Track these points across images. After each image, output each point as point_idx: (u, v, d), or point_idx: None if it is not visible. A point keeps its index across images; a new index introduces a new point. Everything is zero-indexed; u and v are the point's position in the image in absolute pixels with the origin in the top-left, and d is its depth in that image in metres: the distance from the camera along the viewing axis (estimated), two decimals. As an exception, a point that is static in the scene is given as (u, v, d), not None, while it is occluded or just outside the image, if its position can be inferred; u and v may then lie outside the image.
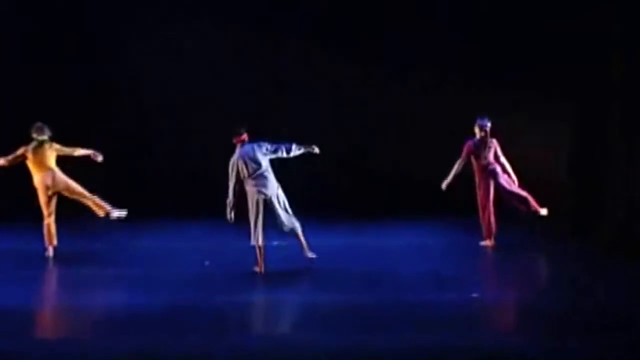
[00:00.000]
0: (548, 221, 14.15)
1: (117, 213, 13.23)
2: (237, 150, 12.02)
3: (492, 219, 13.55)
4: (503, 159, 13.60)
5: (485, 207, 13.56)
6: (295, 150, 12.11)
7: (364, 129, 17.37)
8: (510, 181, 13.61)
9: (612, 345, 8.86)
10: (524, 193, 13.61)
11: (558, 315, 9.98)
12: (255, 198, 11.89)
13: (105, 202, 13.25)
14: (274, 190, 11.96)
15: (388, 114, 17.22)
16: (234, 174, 11.93)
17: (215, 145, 16.85)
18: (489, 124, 13.59)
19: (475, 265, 13.04)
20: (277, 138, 12.32)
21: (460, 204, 14.15)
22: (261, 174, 11.89)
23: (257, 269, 12.05)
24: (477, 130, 13.62)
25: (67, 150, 13.26)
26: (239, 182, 11.96)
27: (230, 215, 11.99)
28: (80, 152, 13.30)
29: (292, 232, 12.06)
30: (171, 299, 10.72)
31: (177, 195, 16.69)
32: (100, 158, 13.31)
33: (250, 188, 11.91)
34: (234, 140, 12.06)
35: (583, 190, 15.57)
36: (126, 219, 13.75)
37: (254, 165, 11.90)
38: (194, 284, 11.57)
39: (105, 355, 8.78)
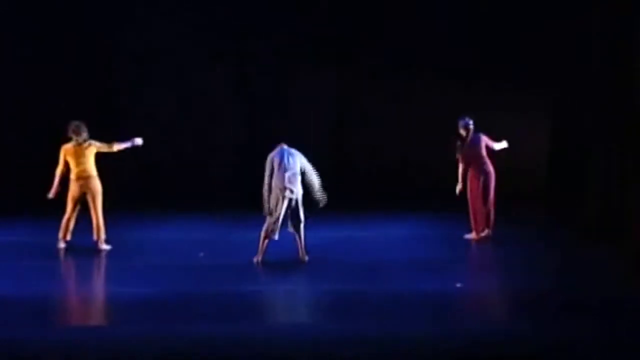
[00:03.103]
0: (530, 212, 14.43)
1: (104, 246, 13.33)
2: (278, 148, 12.43)
3: (480, 212, 13.81)
4: (496, 145, 13.86)
5: (474, 200, 13.81)
6: (312, 183, 12.48)
7: (360, 127, 17.69)
8: (491, 195, 13.81)
9: (590, 329, 9.29)
10: (492, 214, 13.81)
11: (539, 301, 10.41)
12: (282, 194, 12.25)
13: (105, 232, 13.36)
14: (299, 194, 12.36)
15: (382, 111, 17.59)
16: (269, 167, 12.34)
17: (214, 143, 17.36)
18: (471, 122, 13.90)
19: (462, 257, 13.34)
20: (276, 135, 12.74)
21: (453, 198, 14.39)
22: (294, 174, 12.31)
23: (255, 259, 12.42)
24: (462, 131, 13.88)
25: (104, 148, 13.35)
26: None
27: (268, 211, 12.32)
28: (117, 147, 13.39)
29: (296, 233, 12.46)
30: (176, 289, 11.06)
31: (176, 191, 17.03)
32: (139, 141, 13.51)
33: (280, 183, 12.26)
34: (278, 145, 12.43)
35: (563, 183, 15.81)
36: (128, 212, 13.99)
37: (291, 162, 12.31)
38: (196, 274, 11.89)
39: (111, 342, 9.10)
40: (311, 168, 12.49)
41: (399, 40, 17.22)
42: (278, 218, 12.28)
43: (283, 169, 12.27)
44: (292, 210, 12.35)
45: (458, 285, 11.17)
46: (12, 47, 17.29)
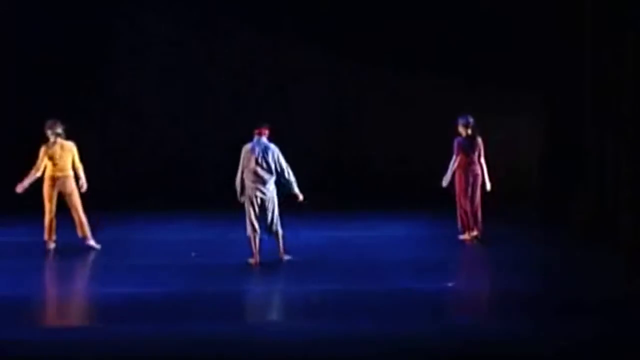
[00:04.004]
0: (527, 212, 14.45)
1: (92, 242, 13.40)
2: (254, 140, 12.29)
3: (469, 212, 13.85)
4: (483, 159, 13.90)
5: (462, 201, 13.87)
6: (289, 180, 12.32)
7: (360, 127, 17.72)
8: (478, 195, 13.89)
9: (590, 329, 9.35)
10: (479, 213, 13.84)
11: (539, 301, 10.49)
12: (253, 194, 12.21)
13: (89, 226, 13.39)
14: (272, 194, 12.29)
15: (371, 111, 17.62)
16: (243, 160, 12.22)
17: (212, 142, 17.35)
18: (471, 120, 13.97)
19: (461, 257, 13.48)
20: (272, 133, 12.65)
21: (446, 198, 14.47)
22: (265, 175, 12.22)
23: (251, 260, 12.42)
24: (461, 129, 13.92)
25: (77, 161, 13.36)
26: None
27: (241, 198, 12.30)
28: (81, 172, 13.37)
29: (275, 234, 12.43)
30: (173, 289, 11.12)
31: (173, 191, 17.02)
32: (84, 189, 13.41)
33: (250, 184, 12.21)
34: (256, 131, 12.32)
35: (559, 183, 15.85)
36: (121, 211, 13.97)
37: (263, 164, 12.20)
38: (194, 274, 11.94)
39: (106, 342, 9.14)
40: (286, 164, 12.28)
41: (399, 40, 17.23)
42: (253, 216, 12.24)
43: (253, 167, 12.17)
44: (265, 210, 12.26)
45: (450, 284, 11.27)
46: (11, 46, 17.29)
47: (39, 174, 13.29)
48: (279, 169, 12.27)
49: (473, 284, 11.87)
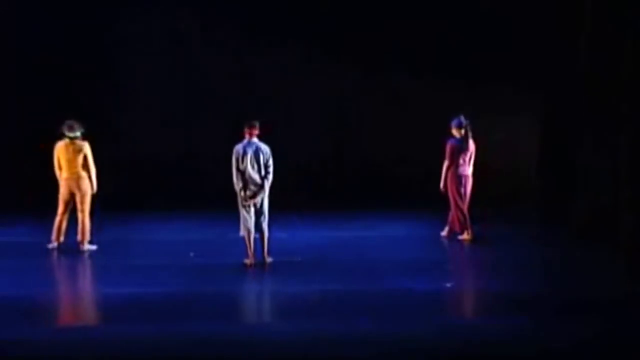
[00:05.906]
0: (523, 212, 14.50)
1: (86, 247, 13.37)
2: (245, 141, 12.26)
3: (466, 212, 13.93)
4: (472, 161, 14.00)
5: (456, 201, 13.93)
6: (267, 177, 12.28)
7: (360, 127, 17.74)
8: (466, 195, 13.97)
9: (589, 329, 9.41)
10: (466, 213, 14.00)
11: (532, 301, 10.54)
12: (246, 196, 12.23)
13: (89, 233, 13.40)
14: (264, 194, 12.28)
15: (370, 112, 17.64)
16: (236, 162, 12.20)
17: (211, 142, 17.36)
18: (464, 121, 13.97)
19: (460, 257, 13.53)
20: (269, 131, 12.64)
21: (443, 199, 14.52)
22: (257, 176, 12.20)
23: (247, 261, 12.43)
24: (455, 131, 13.97)
25: (89, 161, 13.33)
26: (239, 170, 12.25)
27: (245, 196, 12.23)
28: (92, 173, 13.38)
29: (261, 234, 12.40)
30: (173, 289, 11.16)
31: (171, 191, 17.03)
32: (93, 191, 13.43)
33: (243, 185, 12.21)
34: (247, 131, 12.27)
35: (556, 183, 15.88)
36: (121, 211, 14.04)
37: (255, 165, 12.20)
38: (192, 274, 11.98)
39: (105, 342, 9.18)
40: (271, 169, 12.23)
41: (399, 40, 17.26)
42: (247, 216, 12.26)
43: (245, 168, 12.15)
44: (257, 211, 12.28)
45: (448, 285, 11.31)
46: (11, 46, 17.28)
47: (57, 172, 13.36)
48: (263, 170, 12.24)
49: (473, 284, 11.92)
